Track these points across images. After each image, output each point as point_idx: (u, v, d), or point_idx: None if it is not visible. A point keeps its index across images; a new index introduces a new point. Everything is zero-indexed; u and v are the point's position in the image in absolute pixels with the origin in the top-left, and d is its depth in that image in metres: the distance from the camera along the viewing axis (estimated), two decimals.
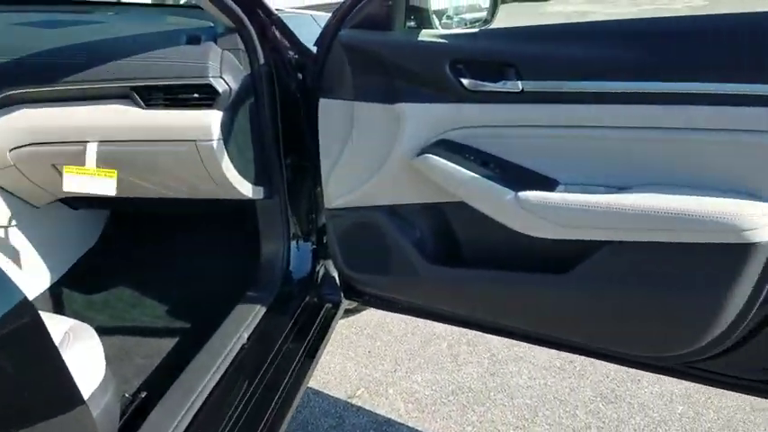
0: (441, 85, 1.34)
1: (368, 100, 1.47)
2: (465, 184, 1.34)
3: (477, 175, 1.33)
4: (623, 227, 1.18)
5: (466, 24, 2.10)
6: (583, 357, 1.46)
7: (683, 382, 1.76)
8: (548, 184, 1.30)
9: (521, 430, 1.98)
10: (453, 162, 1.36)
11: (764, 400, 1.60)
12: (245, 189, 1.68)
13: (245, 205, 1.78)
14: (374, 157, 1.49)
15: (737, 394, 1.89)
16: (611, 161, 1.23)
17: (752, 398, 1.79)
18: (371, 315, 2.59)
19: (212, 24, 1.65)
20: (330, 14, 1.55)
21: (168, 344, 1.75)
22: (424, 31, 1.41)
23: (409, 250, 1.53)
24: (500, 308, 1.44)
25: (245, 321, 1.61)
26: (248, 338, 1.57)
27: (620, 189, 1.23)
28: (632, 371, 2.10)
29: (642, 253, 1.20)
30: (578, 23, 1.25)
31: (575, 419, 2.01)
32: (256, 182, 1.71)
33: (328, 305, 1.89)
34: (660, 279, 1.20)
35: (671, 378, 1.40)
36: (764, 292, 1.17)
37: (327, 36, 1.48)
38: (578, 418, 2.01)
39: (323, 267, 1.95)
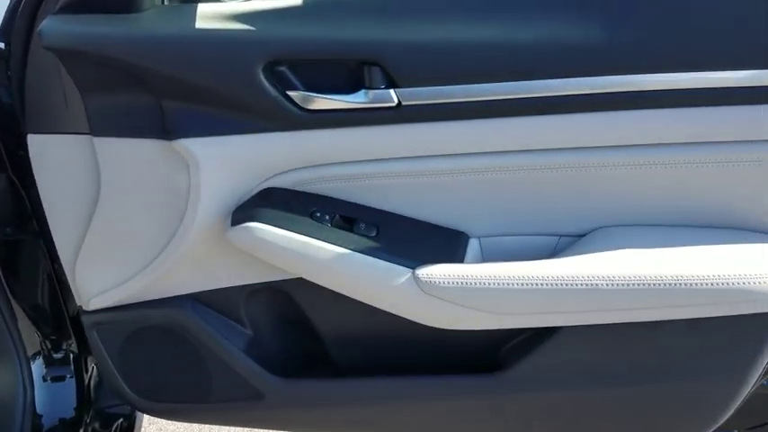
0: (253, 105, 0.79)
1: (120, 134, 0.87)
2: (322, 265, 0.81)
3: (339, 249, 0.80)
4: (588, 308, 0.76)
5: None
6: None
7: None
8: (453, 241, 0.84)
9: None
10: (294, 228, 0.82)
11: None
12: None
13: None
14: (152, 223, 0.92)
15: None
16: (544, 199, 0.81)
17: None
18: None
19: None
20: None
21: None
22: (200, 7, 0.81)
23: (239, 360, 0.97)
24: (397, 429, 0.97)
25: None
26: None
27: (563, 237, 0.82)
28: None
29: (616, 336, 0.80)
30: None
31: None
32: None
33: (120, 420, 1.27)
34: (645, 368, 0.82)
35: None
36: None
37: (20, 28, 0.83)
38: None
39: (93, 368, 1.29)
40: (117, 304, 0.99)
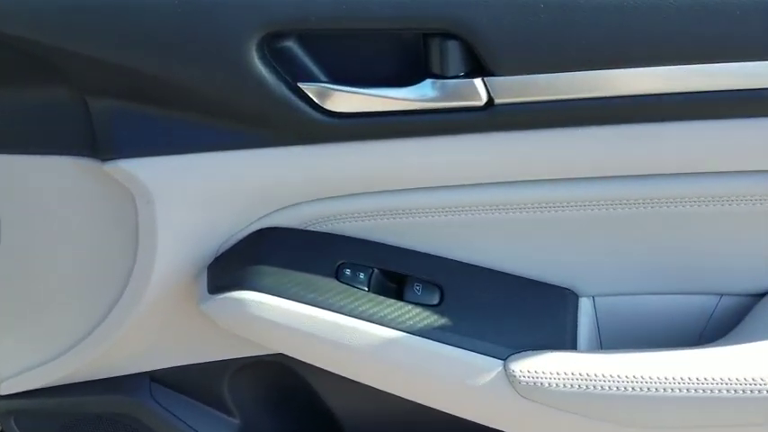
0: (241, 104, 0.49)
1: (24, 149, 0.59)
2: (360, 356, 0.53)
3: (385, 330, 0.52)
4: None
5: None
6: None
7: None
8: (556, 305, 0.57)
9: None
10: (311, 297, 0.53)
11: None
12: None
13: None
14: (86, 281, 0.64)
15: None
16: (699, 242, 0.55)
17: None
18: None
19: None
20: None
21: None
22: None
23: None
24: None
25: None
26: None
27: (725, 297, 0.56)
28: None
29: None
30: None
31: None
32: None
33: None
34: None
35: None
36: None
37: None
38: None
39: None
40: (43, 386, 0.69)
